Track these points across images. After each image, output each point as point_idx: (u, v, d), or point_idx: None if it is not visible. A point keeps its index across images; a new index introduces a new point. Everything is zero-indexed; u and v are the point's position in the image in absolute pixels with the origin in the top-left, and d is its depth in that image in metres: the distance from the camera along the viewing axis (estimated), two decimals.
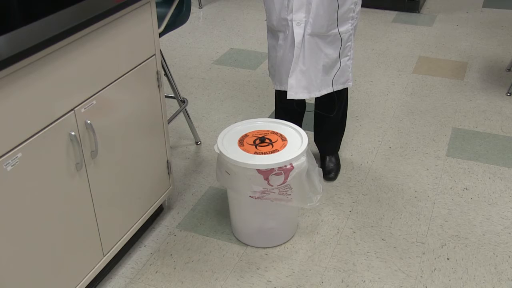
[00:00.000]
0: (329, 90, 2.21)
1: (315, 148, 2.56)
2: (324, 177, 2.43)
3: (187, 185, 2.43)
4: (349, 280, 1.92)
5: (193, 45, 3.92)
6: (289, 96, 2.17)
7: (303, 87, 2.16)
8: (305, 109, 2.47)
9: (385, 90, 3.23)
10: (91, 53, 1.57)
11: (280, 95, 2.39)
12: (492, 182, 2.41)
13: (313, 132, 2.53)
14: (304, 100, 2.42)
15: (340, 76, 2.20)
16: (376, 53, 3.73)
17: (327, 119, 2.40)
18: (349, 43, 2.16)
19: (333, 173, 2.44)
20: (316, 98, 2.37)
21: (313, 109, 2.48)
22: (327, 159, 2.48)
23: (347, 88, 2.35)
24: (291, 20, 2.07)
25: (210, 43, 3.96)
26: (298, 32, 2.07)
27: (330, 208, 2.27)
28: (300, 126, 2.42)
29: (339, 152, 2.59)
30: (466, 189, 2.38)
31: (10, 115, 1.33)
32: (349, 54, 2.19)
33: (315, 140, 2.51)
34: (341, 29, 2.09)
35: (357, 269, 1.97)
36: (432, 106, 3.04)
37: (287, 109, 2.41)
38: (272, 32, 2.19)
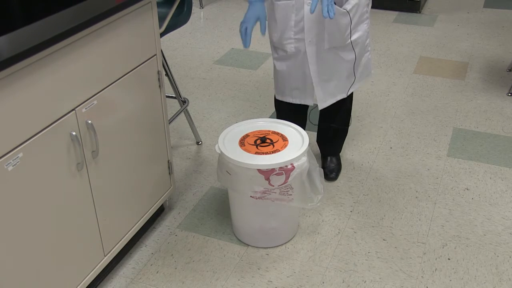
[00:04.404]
0: (356, 88, 2.25)
1: (316, 148, 2.56)
2: (325, 177, 2.42)
3: (188, 185, 2.43)
4: (350, 280, 1.92)
5: (194, 45, 3.92)
6: (320, 107, 2.24)
7: (330, 94, 2.21)
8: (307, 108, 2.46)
9: (386, 90, 3.23)
10: (92, 53, 1.57)
11: (280, 105, 2.37)
12: (493, 182, 2.41)
13: (313, 132, 2.53)
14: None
15: (364, 69, 2.25)
16: (377, 53, 3.73)
17: (333, 122, 2.39)
18: (367, 41, 2.17)
19: (334, 173, 2.44)
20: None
21: (313, 109, 2.48)
22: (328, 159, 2.48)
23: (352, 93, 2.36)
24: (302, 39, 2.07)
25: (211, 43, 3.96)
26: (311, 50, 2.08)
27: (331, 208, 2.27)
28: (304, 127, 2.39)
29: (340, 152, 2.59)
30: (467, 189, 2.37)
31: (11, 115, 1.34)
32: (369, 49, 2.22)
33: (317, 141, 2.51)
34: (358, 34, 2.10)
35: (358, 269, 1.96)
36: (433, 106, 3.04)
37: (288, 116, 2.39)
38: (273, 45, 2.19)
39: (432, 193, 2.35)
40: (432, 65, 3.54)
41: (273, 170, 1.85)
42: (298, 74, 2.17)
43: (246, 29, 2.02)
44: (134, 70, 1.78)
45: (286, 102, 2.29)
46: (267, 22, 2.12)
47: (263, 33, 2.03)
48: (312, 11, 1.85)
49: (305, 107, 2.38)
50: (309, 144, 1.96)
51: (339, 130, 2.42)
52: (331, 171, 2.45)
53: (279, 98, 2.29)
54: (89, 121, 1.60)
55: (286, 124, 2.09)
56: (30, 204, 1.45)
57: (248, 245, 2.08)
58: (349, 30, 2.06)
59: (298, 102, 2.25)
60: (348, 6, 2.01)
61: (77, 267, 1.69)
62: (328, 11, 1.81)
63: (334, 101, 2.24)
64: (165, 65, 2.41)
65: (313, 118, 2.58)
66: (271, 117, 2.92)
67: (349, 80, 2.21)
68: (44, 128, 1.44)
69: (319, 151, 2.54)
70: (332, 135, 2.43)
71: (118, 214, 1.85)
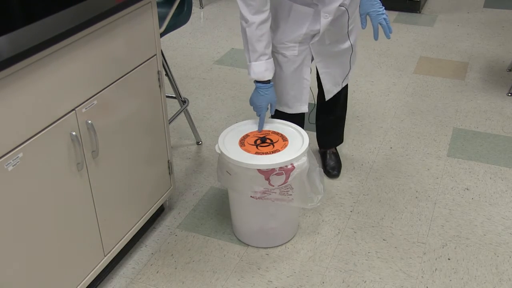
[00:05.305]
0: (350, 73, 2.30)
1: (316, 148, 2.56)
2: (328, 175, 2.44)
3: (188, 185, 2.43)
4: (350, 280, 1.92)
5: (194, 45, 3.92)
6: (327, 98, 2.29)
7: (335, 83, 2.26)
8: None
9: (386, 90, 3.23)
10: (92, 53, 1.57)
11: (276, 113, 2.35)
12: (493, 182, 2.41)
13: (313, 132, 2.53)
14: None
15: (354, 56, 2.26)
16: (377, 53, 3.73)
17: (332, 109, 2.40)
18: (353, 25, 2.17)
19: (336, 170, 2.45)
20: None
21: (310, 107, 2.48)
22: (328, 156, 2.49)
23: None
24: (305, 43, 2.08)
25: (211, 43, 3.96)
26: (314, 49, 2.12)
27: (331, 208, 2.27)
28: (302, 126, 2.39)
29: (339, 151, 2.58)
30: (467, 189, 2.37)
31: (11, 115, 1.34)
32: (355, 34, 2.23)
33: (317, 137, 2.50)
34: (353, 24, 2.15)
35: (358, 269, 1.96)
36: (433, 106, 3.04)
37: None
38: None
39: (432, 193, 2.35)
40: (432, 65, 3.54)
41: (273, 170, 1.85)
42: (295, 79, 2.14)
43: (260, 115, 2.06)
44: (134, 70, 1.78)
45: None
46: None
47: (272, 114, 2.14)
48: (364, 27, 2.02)
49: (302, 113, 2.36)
50: (309, 144, 1.96)
51: (338, 118, 2.46)
52: (332, 168, 2.45)
53: (288, 111, 2.24)
54: (89, 121, 1.60)
55: (286, 124, 2.09)
56: (30, 204, 1.45)
57: (248, 245, 2.08)
58: (347, 25, 2.10)
59: (295, 112, 2.23)
60: (346, 2, 2.01)
61: (77, 267, 1.69)
62: (389, 29, 2.02)
63: (339, 89, 2.29)
64: (165, 65, 2.41)
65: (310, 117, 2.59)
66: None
67: (346, 68, 2.26)
68: (44, 128, 1.44)
69: (318, 151, 2.54)
70: (333, 124, 2.46)
71: (118, 214, 1.85)
